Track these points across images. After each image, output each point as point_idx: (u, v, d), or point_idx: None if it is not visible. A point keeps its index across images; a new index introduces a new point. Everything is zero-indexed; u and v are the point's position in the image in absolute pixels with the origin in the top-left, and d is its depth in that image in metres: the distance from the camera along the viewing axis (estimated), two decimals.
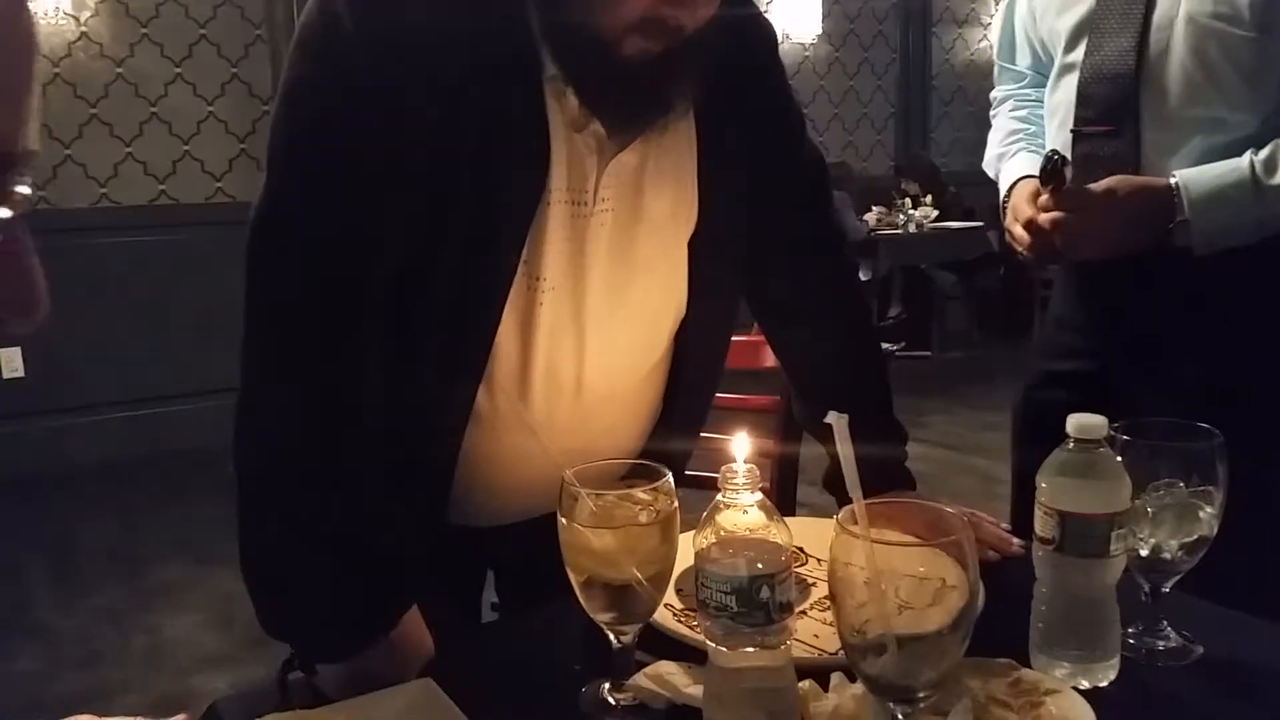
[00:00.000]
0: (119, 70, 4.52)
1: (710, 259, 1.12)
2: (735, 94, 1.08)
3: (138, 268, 4.59)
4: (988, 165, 1.67)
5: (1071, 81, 1.42)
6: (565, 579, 0.82)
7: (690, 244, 1.10)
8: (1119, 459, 0.85)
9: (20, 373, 4.45)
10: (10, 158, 0.49)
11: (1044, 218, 1.37)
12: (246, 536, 0.98)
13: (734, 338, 1.32)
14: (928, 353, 6.41)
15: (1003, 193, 1.56)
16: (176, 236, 4.60)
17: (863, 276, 5.92)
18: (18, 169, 0.50)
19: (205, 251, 4.33)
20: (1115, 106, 1.36)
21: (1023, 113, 1.63)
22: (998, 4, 7.26)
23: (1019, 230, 1.45)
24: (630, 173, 1.03)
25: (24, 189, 0.52)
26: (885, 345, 6.18)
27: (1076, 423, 0.84)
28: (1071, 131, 1.42)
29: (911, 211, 6.12)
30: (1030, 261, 1.50)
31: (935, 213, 6.18)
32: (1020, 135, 1.61)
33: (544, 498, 0.84)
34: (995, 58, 1.71)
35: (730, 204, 1.10)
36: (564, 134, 0.97)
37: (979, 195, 6.73)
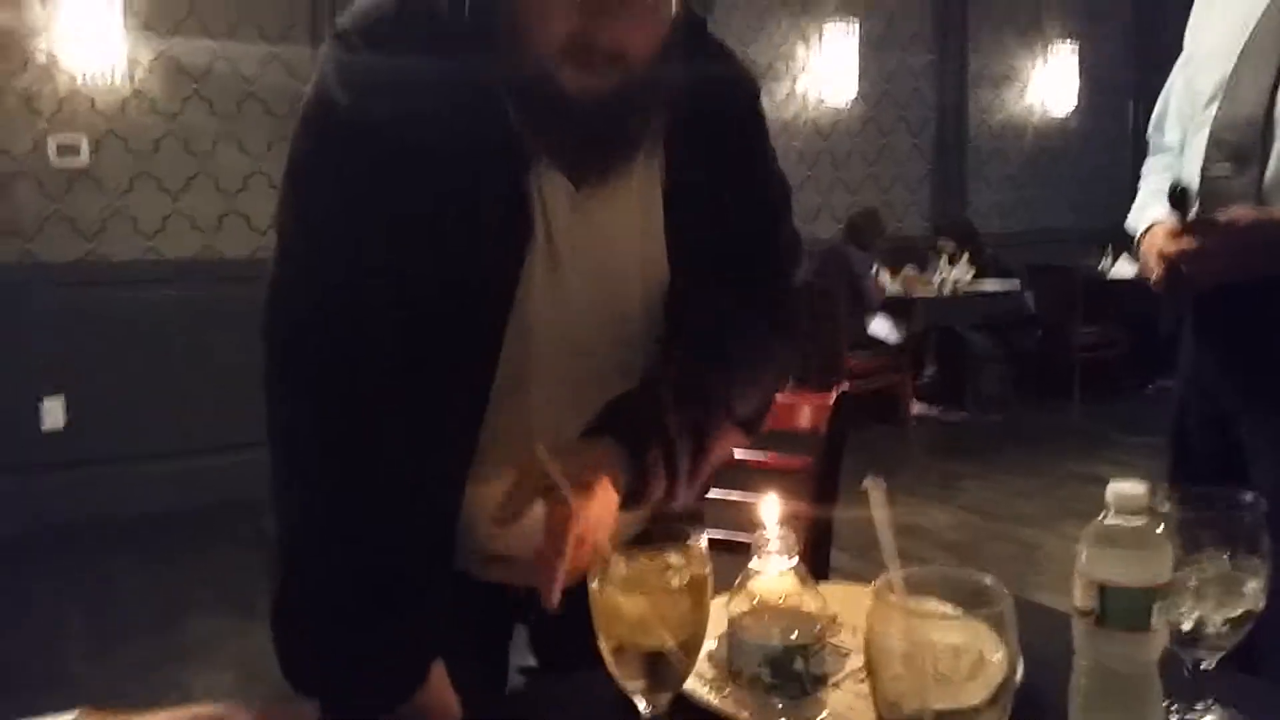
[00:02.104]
0: (169, 126, 4.64)
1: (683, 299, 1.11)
2: (707, 142, 1.08)
3: (181, 319, 4.66)
4: (1129, 223, 1.75)
5: (1205, 130, 1.53)
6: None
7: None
8: (1160, 529, 0.83)
9: (61, 423, 4.51)
10: None
11: (1171, 249, 1.45)
12: (279, 590, 0.99)
13: None
14: (962, 415, 6.35)
15: (1139, 233, 1.67)
16: (220, 290, 4.67)
17: (895, 337, 5.91)
18: None
19: (248, 305, 4.35)
20: (1243, 148, 1.47)
21: (1168, 176, 1.72)
22: (1033, 65, 7.30)
23: (1153, 262, 1.53)
24: (597, 220, 1.05)
25: None
26: (920, 407, 6.09)
27: (1116, 491, 0.82)
28: (1201, 170, 1.52)
29: (947, 271, 6.10)
30: (1161, 292, 1.57)
31: (972, 272, 6.16)
32: (1162, 193, 1.71)
33: None
34: (1149, 133, 1.82)
35: (698, 248, 1.10)
36: (539, 188, 1.02)
37: (1016, 255, 6.71)
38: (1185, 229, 1.44)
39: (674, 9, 0.95)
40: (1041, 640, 1.01)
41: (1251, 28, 1.48)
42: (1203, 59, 1.59)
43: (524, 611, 1.27)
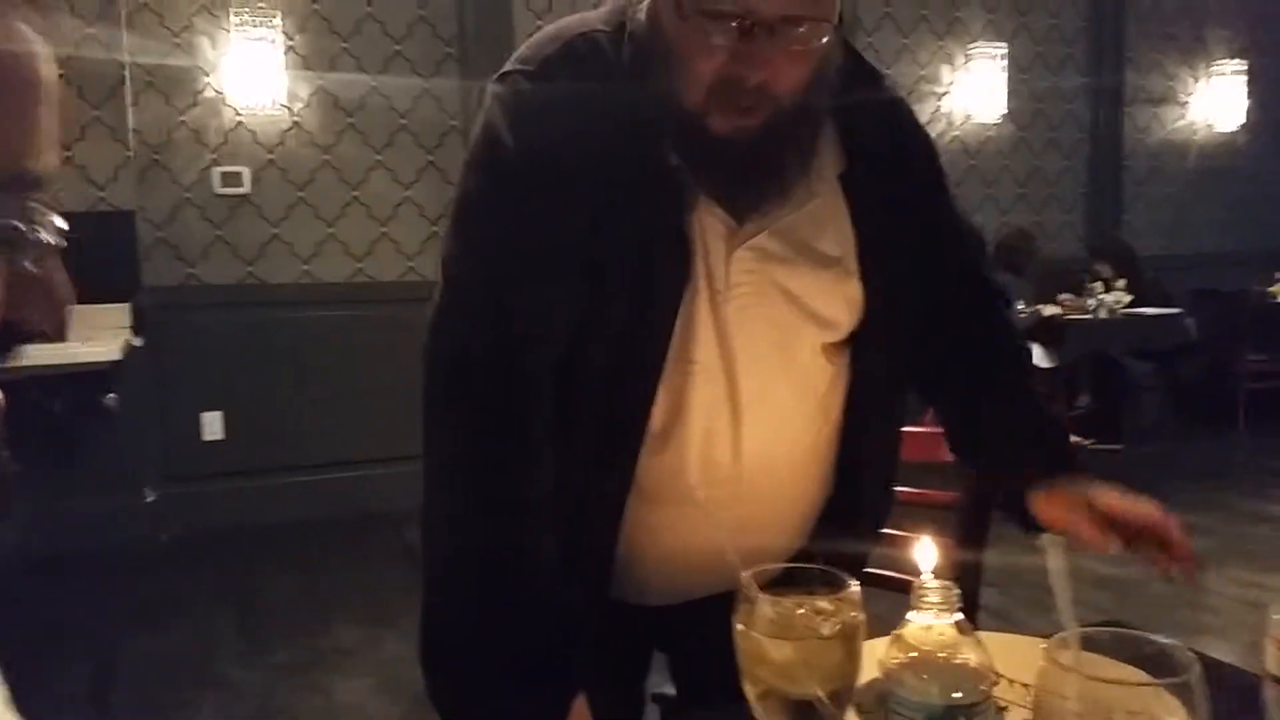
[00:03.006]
0: (325, 157, 4.85)
1: (873, 349, 1.10)
2: (892, 189, 1.07)
3: (333, 339, 4.85)
4: None
5: None
6: None
7: (855, 335, 1.08)
8: None
9: (220, 435, 4.74)
10: (22, 179, 0.50)
11: None
12: (426, 618, 1.01)
13: (914, 430, 1.27)
14: (1119, 446, 6.03)
15: None
16: (371, 311, 4.85)
17: (1048, 364, 5.66)
18: (33, 191, 0.51)
19: (397, 325, 4.55)
20: None
21: None
22: (1195, 81, 6.94)
23: None
24: (768, 260, 1.04)
25: (50, 215, 0.52)
26: (1074, 438, 5.83)
27: None
28: None
29: (1103, 296, 5.81)
30: None
31: (1129, 298, 5.85)
32: None
33: (706, 577, 0.85)
34: None
35: (893, 296, 1.08)
36: (700, 225, 1.01)
37: (1177, 280, 6.36)
38: None
39: (823, 48, 0.94)
40: (1229, 707, 0.93)
41: None
42: None
43: (665, 638, 1.26)
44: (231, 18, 4.56)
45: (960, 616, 0.67)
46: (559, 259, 0.99)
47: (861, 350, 1.11)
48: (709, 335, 1.04)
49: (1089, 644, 0.64)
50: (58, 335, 0.54)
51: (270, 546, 4.49)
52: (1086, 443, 6.05)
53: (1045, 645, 0.61)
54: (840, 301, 1.08)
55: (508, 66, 1.04)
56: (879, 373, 1.14)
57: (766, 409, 1.07)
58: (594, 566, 1.09)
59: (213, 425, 4.74)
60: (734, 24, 0.88)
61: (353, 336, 4.85)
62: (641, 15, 0.99)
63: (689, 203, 1.01)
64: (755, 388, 1.06)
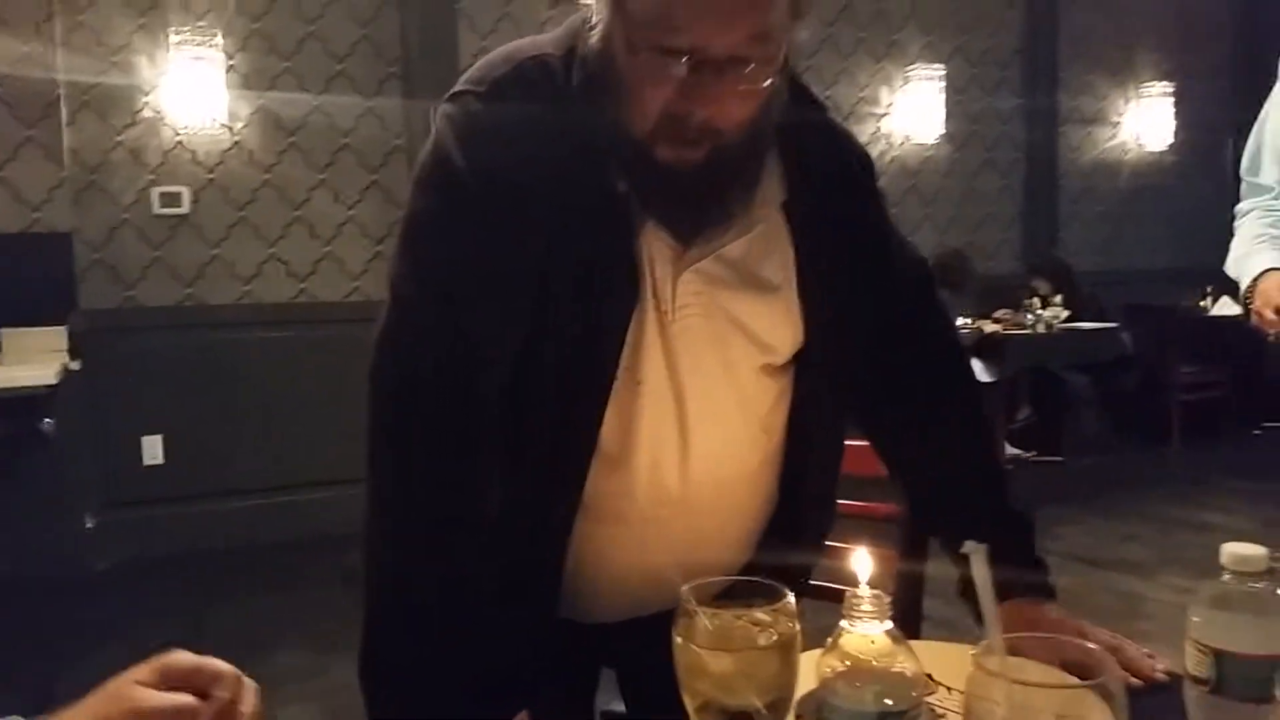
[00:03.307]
0: (266, 176, 4.80)
1: (815, 370, 1.12)
2: (831, 213, 1.10)
3: (276, 362, 4.80)
4: (1229, 268, 1.71)
5: None
6: None
7: (796, 356, 1.11)
8: None
9: (160, 460, 4.66)
10: None
11: None
12: (366, 638, 1.00)
13: (855, 443, 1.30)
14: (1059, 458, 6.15)
15: (1245, 285, 1.64)
16: (315, 332, 4.81)
17: (988, 378, 5.76)
18: None
19: (341, 346, 4.51)
20: None
21: (1269, 219, 1.67)
22: (1127, 102, 7.14)
23: (1270, 314, 1.53)
24: (713, 283, 1.05)
25: None
26: (1014, 451, 5.93)
27: (1232, 553, 0.78)
28: None
29: (1040, 311, 5.95)
30: None
31: (1066, 313, 5.99)
32: (1265, 239, 1.69)
33: (653, 594, 0.85)
34: (1242, 174, 1.77)
35: (832, 319, 1.11)
36: (648, 247, 1.03)
37: (1111, 295, 6.52)
38: None
39: (769, 88, 0.96)
40: (1152, 708, 0.96)
41: None
42: None
43: (613, 654, 1.26)
44: (171, 36, 4.51)
45: (891, 625, 0.68)
46: (509, 280, 1.00)
47: (804, 371, 1.14)
48: (656, 355, 1.05)
49: (1015, 650, 0.66)
50: None
51: (212, 572, 4.41)
52: (1028, 455, 6.17)
53: (974, 652, 0.63)
54: (782, 326, 1.10)
55: (459, 86, 1.04)
56: (821, 392, 1.16)
57: (713, 428, 1.09)
58: (543, 585, 1.09)
59: (153, 450, 4.65)
60: (683, 60, 0.90)
61: (296, 358, 4.80)
62: (595, 41, 1.00)
63: (637, 226, 1.02)
64: (702, 407, 1.07)
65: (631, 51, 0.92)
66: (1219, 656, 0.76)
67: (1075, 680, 0.62)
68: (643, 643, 1.07)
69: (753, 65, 0.91)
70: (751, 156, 1.01)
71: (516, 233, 0.99)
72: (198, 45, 4.52)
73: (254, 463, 4.75)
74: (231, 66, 4.67)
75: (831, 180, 1.11)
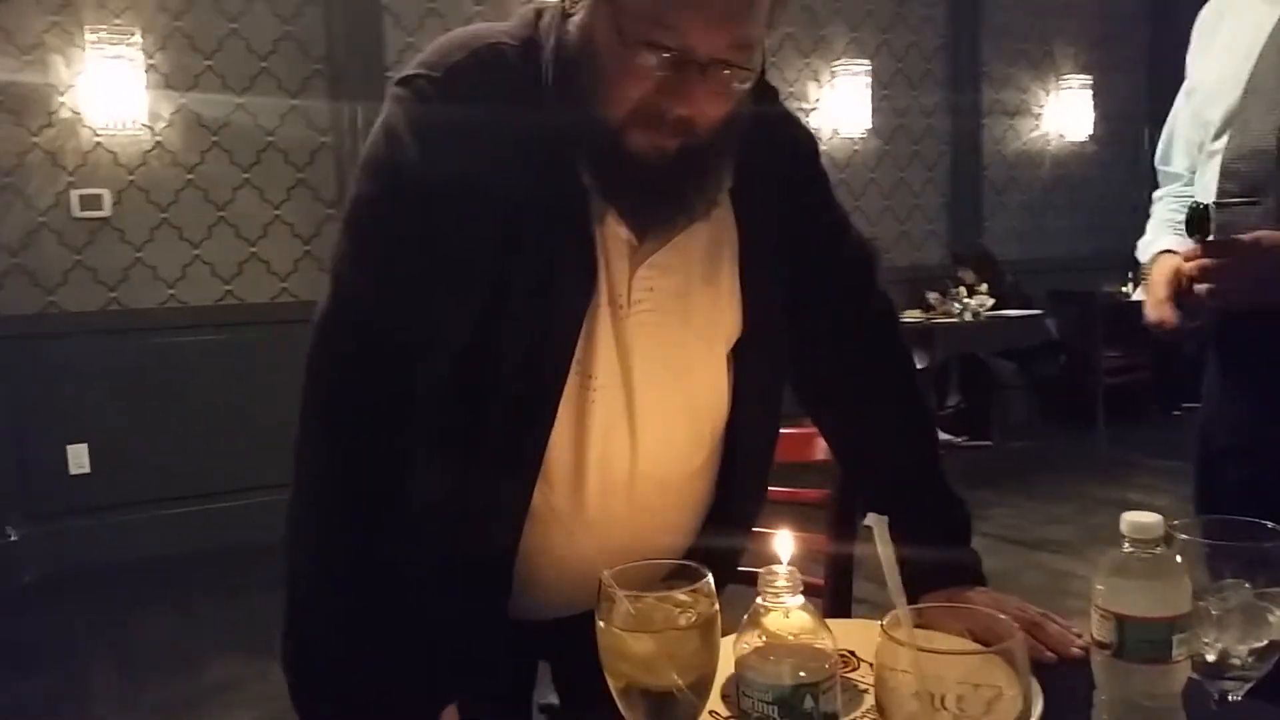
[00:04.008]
0: (190, 177, 4.71)
1: (754, 360, 1.13)
2: (774, 200, 1.11)
3: (203, 366, 4.70)
4: (1138, 253, 1.74)
5: (1216, 160, 1.51)
6: None
7: (735, 345, 1.12)
8: (1179, 559, 0.81)
9: (87, 469, 4.55)
10: None
11: (1189, 266, 1.42)
12: (289, 628, 0.99)
13: (786, 430, 1.32)
14: (988, 443, 6.29)
15: (1144, 261, 1.64)
16: (241, 335, 4.72)
17: (918, 365, 5.87)
18: None
19: (269, 350, 4.44)
20: (1257, 180, 1.44)
21: (1176, 205, 1.70)
22: (1048, 95, 7.31)
23: (1153, 313, 1.52)
24: (667, 276, 1.05)
25: None
26: (945, 436, 6.05)
27: (1130, 522, 0.81)
28: (1215, 203, 1.48)
29: (967, 300, 6.08)
30: (1165, 337, 1.55)
31: (991, 301, 6.13)
32: (1170, 224, 1.70)
33: (593, 591, 0.85)
34: (1156, 163, 1.80)
35: (771, 307, 1.12)
36: (603, 241, 1.03)
37: (1036, 283, 6.68)
38: (1205, 250, 1.41)
39: (743, 92, 0.98)
40: (1064, 673, 1.00)
41: (1256, 56, 1.46)
42: (1209, 89, 1.56)
43: (551, 649, 1.27)
44: (86, 35, 4.40)
45: (803, 599, 0.70)
46: (457, 270, 0.98)
47: (744, 359, 1.14)
48: (609, 351, 1.05)
49: (928, 621, 0.68)
50: None
51: (143, 582, 4.32)
52: (958, 440, 6.30)
53: (882, 623, 0.65)
54: (728, 315, 1.11)
55: (411, 70, 1.01)
56: (761, 381, 1.17)
57: (662, 425, 1.09)
58: (493, 581, 1.09)
59: (79, 458, 4.54)
60: (668, 56, 0.91)
61: (223, 361, 4.71)
62: (573, 30, 0.99)
63: (596, 220, 1.01)
64: (652, 404, 1.08)
65: (621, 42, 0.93)
66: (1120, 621, 0.79)
67: (979, 646, 0.64)
68: (580, 636, 1.08)
69: (732, 70, 0.94)
70: (720, 154, 1.01)
71: (468, 222, 0.97)
72: (115, 44, 4.40)
73: (183, 470, 4.65)
74: (151, 65, 4.56)
75: (777, 165, 1.13)
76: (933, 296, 6.15)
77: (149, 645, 3.72)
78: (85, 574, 4.34)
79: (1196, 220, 1.39)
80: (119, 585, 4.29)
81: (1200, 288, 1.41)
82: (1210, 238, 1.39)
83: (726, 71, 0.94)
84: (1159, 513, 0.81)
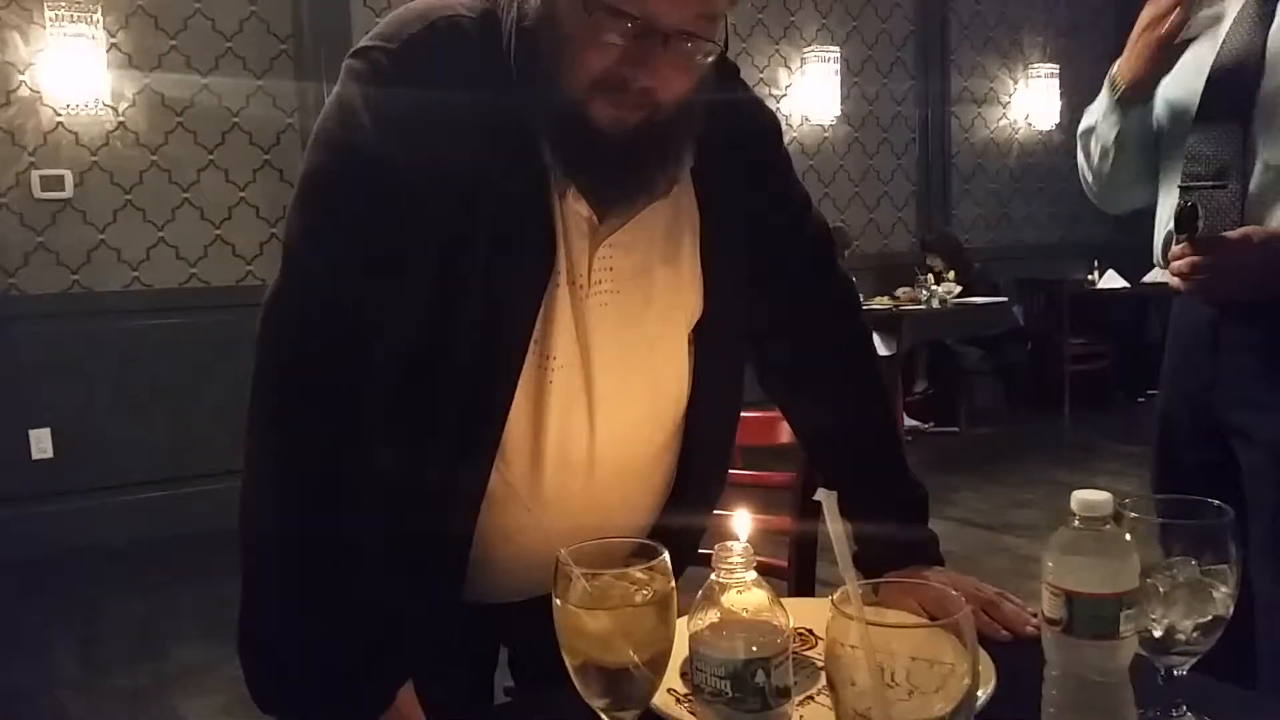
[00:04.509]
0: (154, 158, 4.65)
1: (715, 340, 1.13)
2: (736, 181, 1.10)
3: (168, 349, 4.66)
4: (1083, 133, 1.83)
5: (1182, 145, 1.56)
6: None
7: (695, 326, 1.12)
8: (1127, 536, 0.83)
9: (49, 454, 4.50)
10: None
11: (1178, 264, 1.47)
12: (244, 610, 0.98)
13: (750, 414, 1.33)
14: (955, 429, 6.35)
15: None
16: (206, 318, 4.68)
17: (886, 351, 5.91)
18: None
19: (235, 333, 4.39)
20: (1222, 163, 1.49)
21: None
22: (1016, 84, 7.36)
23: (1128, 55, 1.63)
24: (628, 255, 1.05)
25: None
26: (913, 422, 6.10)
27: (1080, 499, 0.82)
28: (1180, 187, 1.54)
29: (935, 287, 6.12)
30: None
31: (958, 288, 6.18)
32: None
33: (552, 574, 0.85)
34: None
35: (732, 288, 1.12)
36: (563, 219, 1.02)
37: (1002, 270, 6.75)
38: (1193, 249, 1.45)
39: (706, 66, 0.97)
40: (1018, 649, 1.02)
41: (1220, 42, 1.50)
42: (1174, 73, 1.60)
43: (509, 632, 1.27)
44: (46, 12, 4.32)
45: (755, 575, 0.71)
46: (413, 248, 0.96)
47: (704, 340, 1.14)
48: (568, 331, 1.04)
49: (881, 597, 0.69)
50: None
51: (107, 568, 4.29)
52: (925, 426, 6.36)
53: (832, 598, 0.66)
54: (689, 296, 1.11)
55: (366, 41, 0.99)
56: (722, 362, 1.17)
57: (621, 406, 1.08)
58: (449, 563, 1.08)
59: (41, 443, 4.49)
60: (631, 25, 0.90)
61: (187, 345, 4.66)
62: (531, 1, 0.97)
63: (556, 197, 1.00)
64: (611, 385, 1.07)
65: (585, 10, 0.91)
66: (1069, 597, 0.80)
67: (926, 620, 0.65)
68: (541, 621, 1.08)
69: (695, 41, 0.93)
70: (681, 131, 1.00)
71: (424, 203, 0.95)
72: (75, 22, 4.34)
73: (147, 454, 4.61)
74: (114, 45, 4.50)
75: (739, 145, 1.12)
76: (902, 290, 6.19)
77: (114, 631, 3.70)
78: (48, 560, 4.29)
79: (1184, 219, 1.43)
80: (82, 571, 4.26)
81: (1189, 285, 1.46)
82: (1198, 234, 1.44)
83: (689, 44, 0.93)
84: (1124, 498, 0.82)
